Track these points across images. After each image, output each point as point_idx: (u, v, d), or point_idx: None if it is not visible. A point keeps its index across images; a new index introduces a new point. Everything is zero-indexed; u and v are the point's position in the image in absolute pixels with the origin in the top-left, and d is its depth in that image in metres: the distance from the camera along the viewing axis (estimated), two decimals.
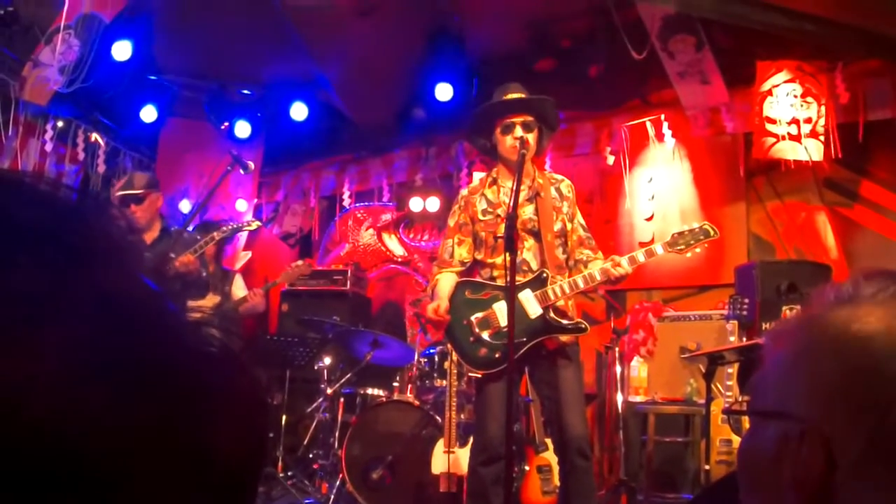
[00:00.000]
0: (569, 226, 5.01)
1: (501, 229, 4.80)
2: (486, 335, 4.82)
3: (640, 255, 4.77)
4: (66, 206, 0.55)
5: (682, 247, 4.84)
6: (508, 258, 4.31)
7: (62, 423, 0.46)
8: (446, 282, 5.01)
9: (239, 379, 0.58)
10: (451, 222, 5.17)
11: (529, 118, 4.92)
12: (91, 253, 0.53)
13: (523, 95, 5.04)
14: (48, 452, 0.45)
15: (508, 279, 4.33)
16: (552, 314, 4.76)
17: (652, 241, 8.00)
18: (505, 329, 4.71)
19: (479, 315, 4.86)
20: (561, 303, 4.81)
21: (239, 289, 7.96)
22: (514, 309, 4.38)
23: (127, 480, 0.48)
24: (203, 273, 6.36)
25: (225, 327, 0.58)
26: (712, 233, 4.87)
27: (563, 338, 4.81)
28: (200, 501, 0.53)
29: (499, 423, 4.70)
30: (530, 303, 4.74)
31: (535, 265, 4.86)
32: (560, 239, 4.97)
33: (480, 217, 5.01)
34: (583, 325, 4.81)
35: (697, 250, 4.89)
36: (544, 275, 4.78)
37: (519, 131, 4.86)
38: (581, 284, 4.75)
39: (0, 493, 0.44)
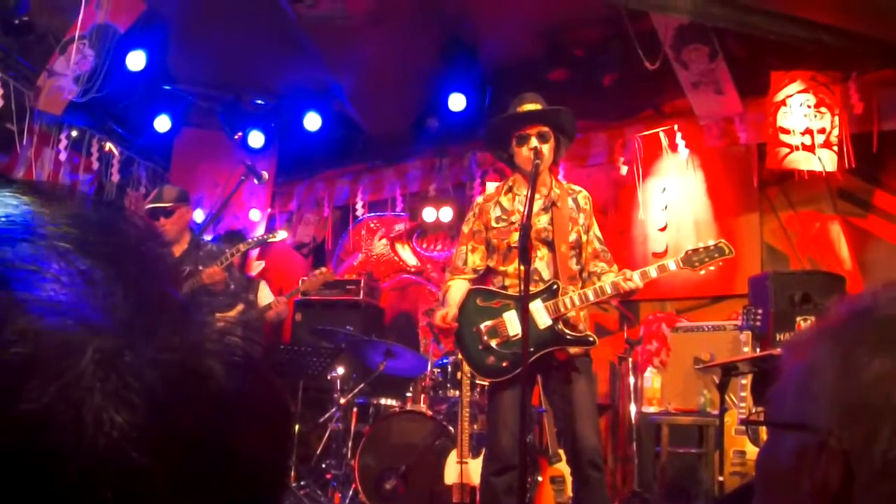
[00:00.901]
0: (584, 237, 4.99)
1: (514, 237, 4.80)
2: (494, 343, 4.82)
3: (653, 271, 4.74)
4: (91, 216, 0.56)
5: (696, 264, 4.81)
6: (521, 267, 4.31)
7: (101, 424, 0.47)
8: (457, 289, 5.01)
9: (261, 387, 0.58)
10: (466, 229, 5.18)
11: (545, 129, 4.92)
12: (119, 262, 0.53)
13: (539, 106, 5.03)
14: (85, 450, 0.46)
15: (520, 289, 4.34)
16: (561, 325, 4.76)
17: (665, 252, 8.02)
18: (513, 338, 4.75)
19: (489, 323, 4.87)
20: (572, 314, 4.80)
21: (264, 296, 7.89)
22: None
23: (158, 481, 0.48)
24: (231, 285, 6.39)
25: (247, 336, 0.59)
26: (727, 251, 4.83)
27: (574, 349, 4.80)
28: None
29: (510, 432, 4.70)
30: (540, 313, 4.73)
31: (546, 275, 4.85)
32: (574, 250, 4.96)
33: (494, 224, 5.01)
34: (591, 338, 4.79)
35: (711, 268, 4.86)
36: (555, 286, 4.77)
37: (534, 142, 4.86)
38: (591, 297, 4.74)
39: (40, 491, 0.45)
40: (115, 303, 0.51)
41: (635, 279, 4.67)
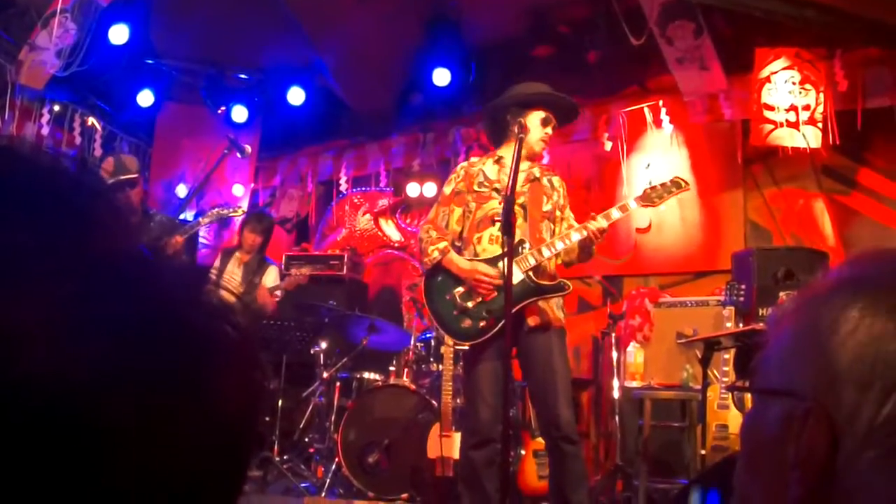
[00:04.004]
0: (558, 213, 5.10)
1: (492, 204, 4.88)
2: (470, 305, 4.85)
3: (615, 212, 4.90)
4: (67, 172, 0.55)
5: (655, 200, 5.00)
6: (504, 238, 4.35)
7: (62, 372, 0.46)
8: (451, 249, 5.05)
9: (234, 336, 0.57)
10: (447, 190, 5.21)
11: (554, 121, 5.09)
12: (90, 214, 0.53)
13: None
14: (48, 401, 0.45)
15: (502, 259, 4.40)
16: (533, 275, 4.80)
17: (649, 228, 8.07)
18: (489, 298, 4.82)
19: (461, 289, 4.90)
20: (544, 263, 4.87)
21: (268, 281, 7.78)
22: (499, 279, 4.61)
23: (127, 430, 0.48)
24: (185, 257, 6.35)
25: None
26: (683, 184, 5.04)
27: (551, 316, 4.83)
28: (196, 457, 0.52)
29: (489, 406, 4.73)
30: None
31: (517, 237, 4.89)
32: (548, 220, 5.03)
33: (475, 188, 5.06)
34: (564, 284, 4.86)
35: (671, 201, 5.12)
36: (523, 243, 4.81)
37: (551, 129, 5.04)
38: (559, 245, 4.82)
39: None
40: (86, 251, 0.51)
41: (599, 220, 4.78)
